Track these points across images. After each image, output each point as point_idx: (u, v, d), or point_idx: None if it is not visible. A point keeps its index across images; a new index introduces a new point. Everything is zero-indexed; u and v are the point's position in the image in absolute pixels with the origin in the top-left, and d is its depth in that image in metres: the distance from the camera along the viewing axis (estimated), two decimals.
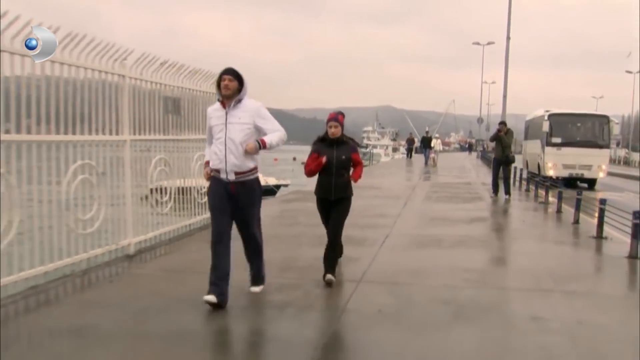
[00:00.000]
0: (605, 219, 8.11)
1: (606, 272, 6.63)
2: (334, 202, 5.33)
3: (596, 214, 8.40)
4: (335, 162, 5.22)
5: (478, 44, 48.50)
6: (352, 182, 5.37)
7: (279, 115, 4.63)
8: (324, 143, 5.31)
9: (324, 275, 5.22)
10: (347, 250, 6.23)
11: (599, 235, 8.08)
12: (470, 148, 66.06)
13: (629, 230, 7.02)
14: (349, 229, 7.83)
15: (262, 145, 4.51)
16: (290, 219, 9.41)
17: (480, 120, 50.79)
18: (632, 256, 6.79)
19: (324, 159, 5.19)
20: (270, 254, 5.28)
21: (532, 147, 21.77)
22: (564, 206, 11.07)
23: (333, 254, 5.32)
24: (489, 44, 46.42)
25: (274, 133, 4.58)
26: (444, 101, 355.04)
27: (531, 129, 22.58)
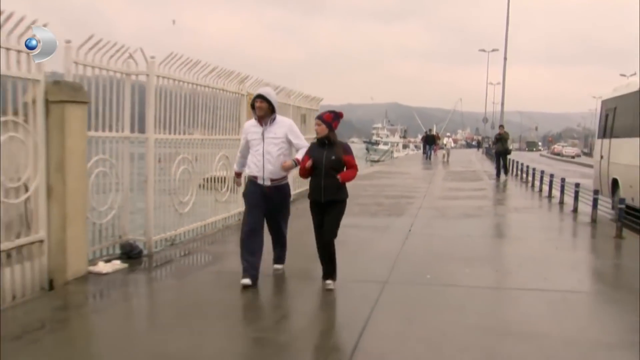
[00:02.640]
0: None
1: (545, 207, 12.22)
2: (326, 205, 5.16)
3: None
4: (324, 162, 5.10)
5: (484, 50, 53.67)
6: (340, 181, 5.11)
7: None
8: (317, 144, 5.25)
9: (323, 281, 5.29)
10: (406, 201, 11.83)
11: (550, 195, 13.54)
12: (479, 145, 68.98)
13: None
14: (405, 192, 13.43)
15: (297, 164, 5.28)
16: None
17: (485, 119, 55.97)
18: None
19: (308, 163, 5.14)
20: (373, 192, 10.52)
21: (632, 153, 10.14)
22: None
23: (328, 255, 5.24)
24: (493, 50, 51.36)
25: (303, 149, 5.30)
26: (451, 98, 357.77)
27: (621, 118, 11.36)
